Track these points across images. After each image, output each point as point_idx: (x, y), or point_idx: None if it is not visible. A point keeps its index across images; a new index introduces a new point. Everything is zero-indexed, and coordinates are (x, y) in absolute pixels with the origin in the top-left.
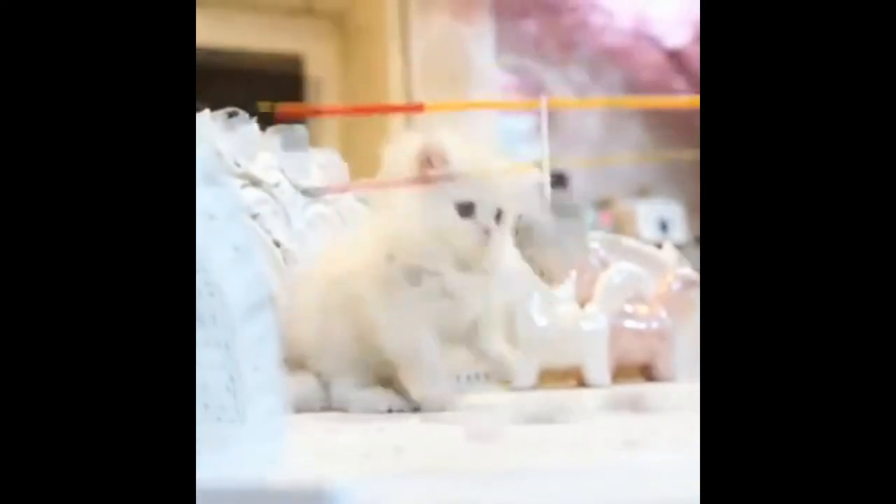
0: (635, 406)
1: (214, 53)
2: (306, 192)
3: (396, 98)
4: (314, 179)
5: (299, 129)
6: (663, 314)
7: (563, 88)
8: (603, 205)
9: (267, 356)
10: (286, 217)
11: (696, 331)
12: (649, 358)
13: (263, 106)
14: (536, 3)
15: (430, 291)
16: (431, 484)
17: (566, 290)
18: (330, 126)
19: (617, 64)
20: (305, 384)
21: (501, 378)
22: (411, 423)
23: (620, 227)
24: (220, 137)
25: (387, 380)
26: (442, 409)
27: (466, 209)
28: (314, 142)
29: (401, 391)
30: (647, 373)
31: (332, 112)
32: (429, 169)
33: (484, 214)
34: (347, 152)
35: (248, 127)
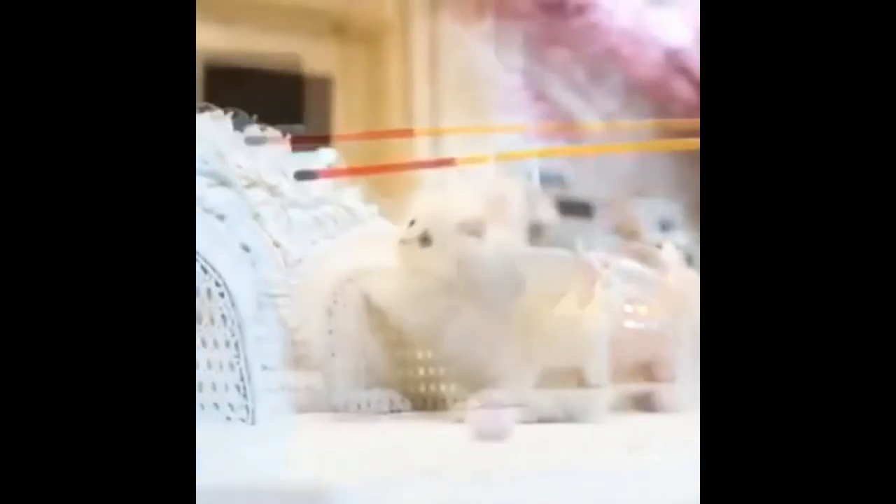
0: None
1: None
2: (300, 176)
3: (421, 121)
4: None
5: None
6: (664, 314)
7: (591, 115)
8: (605, 206)
9: (275, 356)
10: (287, 218)
11: (697, 331)
12: (650, 358)
13: (300, 174)
14: (567, 32)
15: (440, 252)
16: (432, 484)
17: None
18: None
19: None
20: (310, 384)
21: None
22: (411, 424)
23: (621, 227)
24: (229, 141)
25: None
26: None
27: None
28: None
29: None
30: (647, 374)
31: (367, 171)
32: None
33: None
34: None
35: (222, 125)
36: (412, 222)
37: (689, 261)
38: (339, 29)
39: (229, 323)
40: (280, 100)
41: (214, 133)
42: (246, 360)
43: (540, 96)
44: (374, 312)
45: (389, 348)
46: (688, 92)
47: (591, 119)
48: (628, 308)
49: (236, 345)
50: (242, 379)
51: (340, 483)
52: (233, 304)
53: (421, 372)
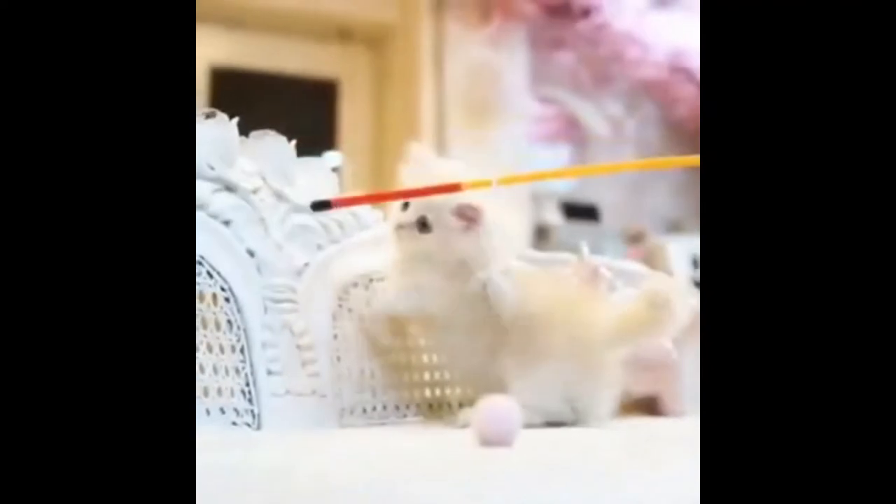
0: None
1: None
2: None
3: (426, 124)
4: (299, 187)
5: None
6: (669, 345)
7: (598, 120)
8: (634, 239)
9: (280, 360)
10: (264, 225)
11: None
12: (655, 391)
13: (315, 205)
14: (573, 35)
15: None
16: (433, 485)
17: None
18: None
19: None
20: (315, 388)
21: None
22: (415, 425)
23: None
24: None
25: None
26: None
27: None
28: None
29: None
30: (653, 408)
31: (377, 199)
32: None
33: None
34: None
35: (227, 130)
36: (405, 205)
37: (694, 263)
38: (344, 33)
39: (235, 328)
40: (286, 103)
41: (220, 138)
42: (252, 364)
43: (545, 99)
44: (379, 317)
45: (395, 353)
46: (693, 94)
47: (596, 121)
48: None
49: (242, 349)
50: (248, 383)
51: (345, 488)
52: (238, 309)
53: (426, 377)
